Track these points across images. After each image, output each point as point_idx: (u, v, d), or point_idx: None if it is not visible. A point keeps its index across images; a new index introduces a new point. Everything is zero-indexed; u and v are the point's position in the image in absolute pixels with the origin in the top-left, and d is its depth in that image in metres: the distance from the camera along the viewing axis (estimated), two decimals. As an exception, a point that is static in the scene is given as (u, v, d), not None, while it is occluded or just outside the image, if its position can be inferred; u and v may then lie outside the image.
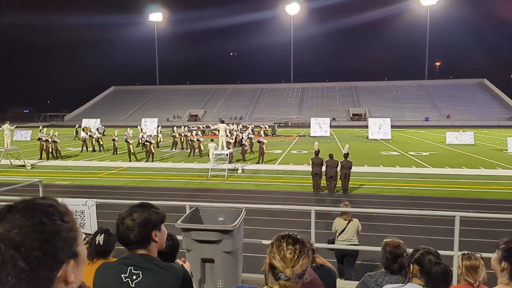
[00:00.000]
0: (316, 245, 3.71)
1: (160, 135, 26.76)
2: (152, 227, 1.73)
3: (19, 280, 0.65)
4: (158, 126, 30.27)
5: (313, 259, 2.32)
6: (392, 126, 35.94)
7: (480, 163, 17.37)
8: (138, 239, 1.70)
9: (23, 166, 16.66)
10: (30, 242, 0.68)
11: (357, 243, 5.44)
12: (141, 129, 23.88)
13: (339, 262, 5.47)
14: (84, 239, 2.89)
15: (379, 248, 2.85)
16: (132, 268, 1.66)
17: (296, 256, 1.40)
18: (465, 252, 2.67)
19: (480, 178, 13.69)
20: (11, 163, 17.04)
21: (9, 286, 0.64)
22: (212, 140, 16.72)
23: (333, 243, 5.44)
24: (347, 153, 11.87)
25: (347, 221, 5.42)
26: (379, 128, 33.47)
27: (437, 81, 75.05)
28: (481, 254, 2.62)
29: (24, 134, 31.22)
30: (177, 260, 2.02)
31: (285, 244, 1.44)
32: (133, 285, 1.63)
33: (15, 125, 20.64)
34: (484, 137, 33.26)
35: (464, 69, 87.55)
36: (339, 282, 4.10)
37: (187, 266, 2.00)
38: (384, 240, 2.77)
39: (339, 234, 5.45)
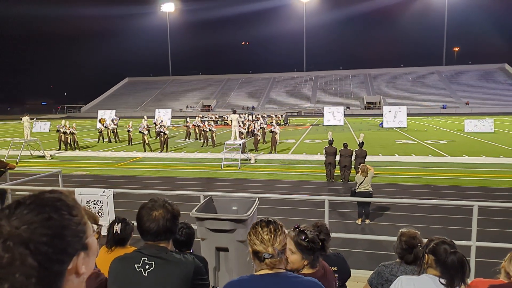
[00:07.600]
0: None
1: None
2: (177, 220, 1.81)
3: (28, 277, 0.65)
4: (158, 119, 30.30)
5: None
6: (408, 114, 35.20)
7: (500, 151, 16.89)
8: (164, 231, 1.74)
9: (43, 157, 17.13)
10: (39, 238, 0.68)
11: (371, 190, 7.85)
12: (156, 121, 24.09)
13: (359, 206, 7.65)
14: (96, 229, 2.98)
15: (394, 238, 2.83)
16: (146, 258, 1.68)
17: (273, 235, 1.54)
18: None
19: (499, 166, 13.33)
20: (31, 154, 17.55)
21: (19, 284, 0.64)
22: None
23: (355, 191, 7.88)
24: (362, 142, 11.73)
25: (364, 177, 7.78)
26: (394, 116, 32.89)
27: (456, 67, 72.62)
28: None
29: (43, 126, 32.01)
30: None
31: (260, 228, 1.57)
32: (146, 274, 1.65)
33: (37, 118, 21.12)
34: (505, 124, 32.26)
35: (483, 54, 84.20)
36: (354, 269, 4.11)
37: None
38: (400, 230, 2.74)
39: (359, 185, 7.83)
